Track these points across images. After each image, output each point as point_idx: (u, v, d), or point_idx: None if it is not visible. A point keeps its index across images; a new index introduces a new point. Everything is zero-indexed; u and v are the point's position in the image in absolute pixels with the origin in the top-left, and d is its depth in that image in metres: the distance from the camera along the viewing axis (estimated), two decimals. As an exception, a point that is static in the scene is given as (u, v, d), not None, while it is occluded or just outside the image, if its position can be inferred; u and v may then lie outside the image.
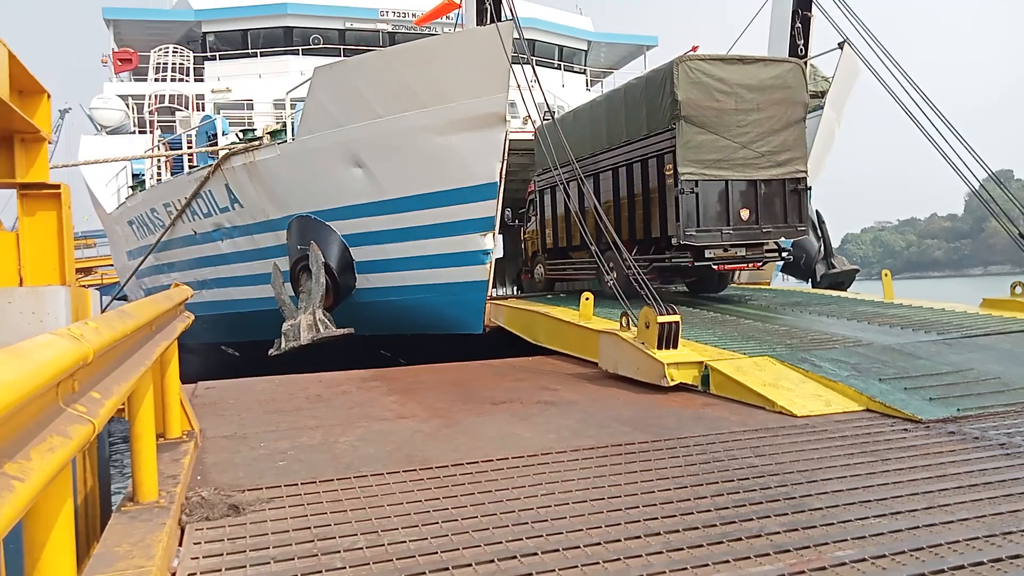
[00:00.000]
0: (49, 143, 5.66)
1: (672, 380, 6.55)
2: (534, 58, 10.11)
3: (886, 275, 11.22)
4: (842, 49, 11.73)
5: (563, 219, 13.02)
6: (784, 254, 10.45)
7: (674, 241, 9.63)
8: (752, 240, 9.76)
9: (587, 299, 8.77)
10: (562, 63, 24.35)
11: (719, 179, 9.23)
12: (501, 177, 10.15)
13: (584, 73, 25.29)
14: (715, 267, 9.90)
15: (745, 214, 9.59)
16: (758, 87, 9.77)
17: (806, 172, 10.20)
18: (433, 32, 21.71)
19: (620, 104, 10.80)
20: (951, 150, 9.49)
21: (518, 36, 9.36)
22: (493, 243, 10.45)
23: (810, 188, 10.90)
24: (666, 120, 9.56)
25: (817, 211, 14.81)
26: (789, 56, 12.26)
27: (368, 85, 10.44)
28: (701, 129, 8.85)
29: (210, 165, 12.94)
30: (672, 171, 9.54)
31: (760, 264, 10.30)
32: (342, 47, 21.80)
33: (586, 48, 25.42)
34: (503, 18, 9.79)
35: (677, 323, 6.80)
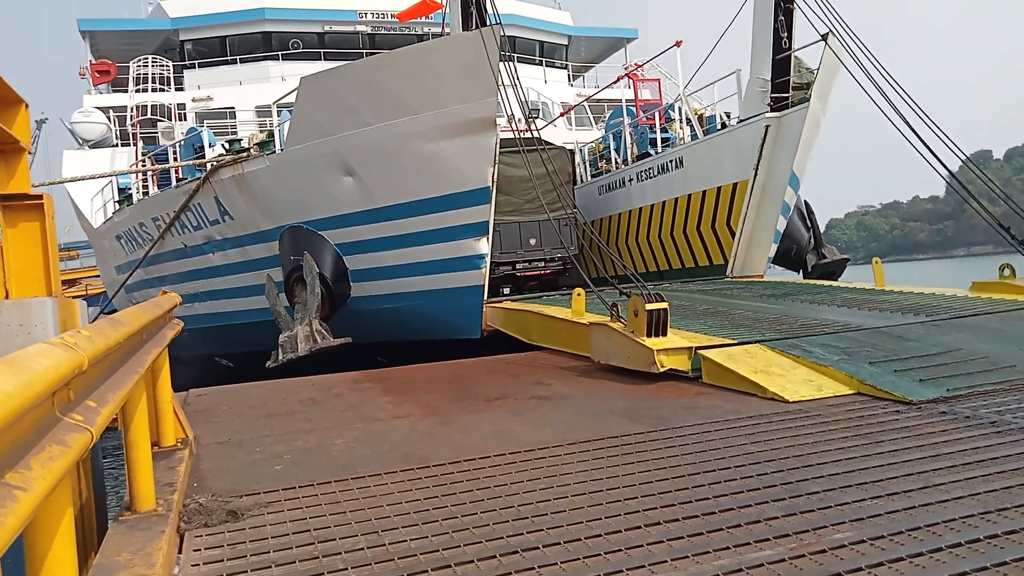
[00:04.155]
0: (29, 153, 5.62)
1: (662, 366, 6.58)
2: (515, 55, 10.31)
3: (876, 262, 11.32)
4: (826, 41, 11.81)
5: None
6: (562, 264, 14.98)
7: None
8: (538, 258, 14.71)
9: (579, 295, 8.79)
10: (543, 59, 24.33)
11: (514, 222, 13.66)
12: (493, 181, 10.16)
13: (566, 68, 25.26)
14: (519, 275, 14.53)
15: (532, 241, 14.57)
16: (537, 163, 13.21)
17: (574, 213, 14.16)
18: (413, 32, 21.70)
19: None
20: (926, 137, 9.68)
21: (502, 34, 9.34)
22: (487, 247, 10.46)
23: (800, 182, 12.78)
24: None
25: (806, 202, 14.92)
26: (773, 49, 12.46)
27: (356, 93, 10.38)
28: (501, 193, 11.89)
29: (198, 178, 12.83)
30: None
31: (547, 271, 15.11)
32: (322, 50, 21.66)
33: (566, 43, 25.37)
34: (487, 19, 9.78)
35: (665, 310, 6.84)
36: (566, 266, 15.12)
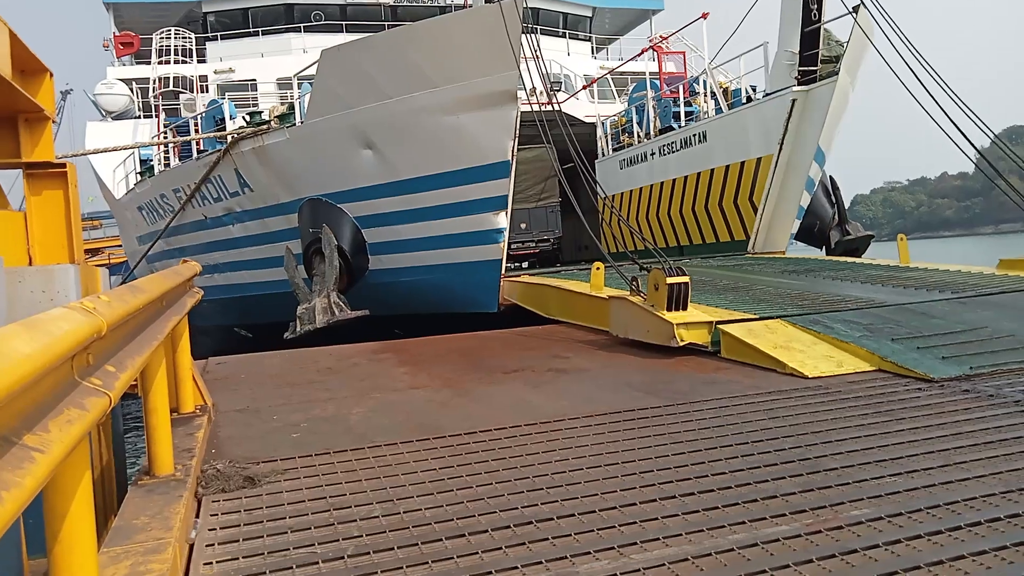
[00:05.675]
0: (53, 123, 5.65)
1: (682, 340, 6.54)
2: (538, 27, 10.21)
3: (902, 239, 11.16)
4: (854, 14, 11.55)
5: None
6: (551, 243, 18.89)
7: None
8: (528, 239, 18.25)
9: (598, 269, 8.75)
10: (566, 31, 24.04)
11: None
12: (513, 155, 10.10)
13: (589, 40, 24.94)
14: (512, 253, 16.51)
15: (523, 225, 18.08)
16: (526, 160, 16.43)
17: (558, 202, 17.77)
18: (435, 4, 21.50)
19: None
20: (955, 113, 9.48)
21: (525, 6, 9.24)
22: (506, 222, 10.44)
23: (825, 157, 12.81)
24: None
25: (831, 177, 14.68)
26: (802, 21, 12.23)
27: (376, 66, 10.33)
28: None
29: (219, 150, 12.89)
30: None
31: (537, 250, 18.76)
32: (343, 23, 21.54)
33: (590, 15, 25.02)
34: None
35: (686, 284, 6.79)
36: (554, 246, 19.24)
